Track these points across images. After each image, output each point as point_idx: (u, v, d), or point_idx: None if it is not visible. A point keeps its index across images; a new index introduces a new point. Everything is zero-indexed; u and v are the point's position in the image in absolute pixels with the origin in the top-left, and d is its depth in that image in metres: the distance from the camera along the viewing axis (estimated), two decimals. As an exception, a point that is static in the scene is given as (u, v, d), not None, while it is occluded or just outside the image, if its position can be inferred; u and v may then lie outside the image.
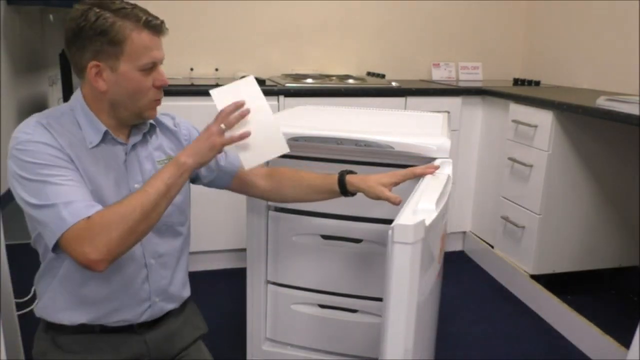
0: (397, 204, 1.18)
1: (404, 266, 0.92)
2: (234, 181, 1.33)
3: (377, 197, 1.22)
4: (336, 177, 1.27)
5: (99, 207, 0.99)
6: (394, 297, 0.94)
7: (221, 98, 1.14)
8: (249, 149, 1.13)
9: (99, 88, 1.05)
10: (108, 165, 1.09)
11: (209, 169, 1.29)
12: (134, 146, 1.14)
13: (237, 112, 1.11)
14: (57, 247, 0.98)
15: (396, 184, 1.25)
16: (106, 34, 1.01)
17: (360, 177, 1.26)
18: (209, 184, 1.33)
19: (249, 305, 1.63)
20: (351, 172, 1.29)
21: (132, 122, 1.13)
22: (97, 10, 1.01)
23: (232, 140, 1.10)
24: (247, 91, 1.14)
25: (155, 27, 1.06)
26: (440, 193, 1.09)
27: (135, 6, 1.06)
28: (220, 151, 1.10)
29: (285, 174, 1.36)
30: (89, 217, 0.96)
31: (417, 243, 0.92)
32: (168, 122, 1.24)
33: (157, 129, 1.21)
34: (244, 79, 1.17)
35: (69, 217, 0.95)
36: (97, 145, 1.08)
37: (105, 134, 1.09)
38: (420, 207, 1.01)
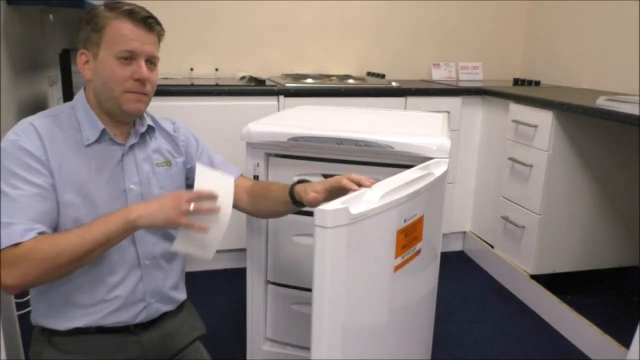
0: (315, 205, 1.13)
1: (322, 250, 0.94)
2: None
3: (312, 206, 1.15)
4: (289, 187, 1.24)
5: (36, 232, 0.98)
6: (317, 281, 0.95)
7: (204, 177, 1.12)
8: (190, 237, 1.09)
9: (85, 76, 1.08)
10: (101, 164, 1.10)
11: None
12: (132, 147, 1.15)
13: (209, 203, 1.08)
14: None
15: (329, 191, 1.17)
16: (91, 23, 1.06)
17: (304, 186, 1.22)
18: None
19: (249, 305, 1.63)
20: (305, 181, 1.26)
21: (120, 117, 1.12)
22: (98, 7, 1.06)
23: (190, 226, 1.05)
24: (224, 189, 1.13)
25: (139, 19, 1.06)
26: (395, 187, 1.09)
27: (130, 4, 1.08)
28: (172, 227, 1.07)
29: (260, 189, 1.33)
30: (18, 245, 0.95)
31: (338, 228, 0.93)
32: (168, 126, 1.25)
33: (157, 132, 1.21)
34: (227, 178, 1.19)
35: (1, 239, 0.95)
36: (93, 144, 1.09)
37: (103, 132, 1.09)
38: (365, 197, 1.03)
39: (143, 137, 1.17)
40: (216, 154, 1.36)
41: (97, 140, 1.09)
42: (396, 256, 1.12)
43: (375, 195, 1.04)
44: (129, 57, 1.06)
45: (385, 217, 1.06)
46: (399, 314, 1.24)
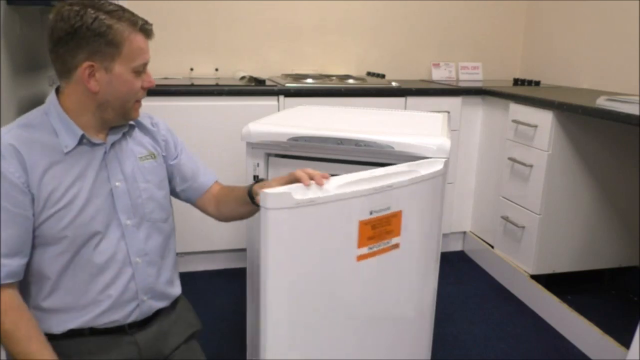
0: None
1: (264, 231, 1.01)
2: (203, 197, 1.34)
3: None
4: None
5: (2, 273, 1.00)
6: (262, 262, 1.02)
7: None
8: None
9: (91, 88, 1.05)
10: (84, 167, 1.09)
11: (183, 178, 1.30)
12: (113, 145, 1.14)
13: None
14: None
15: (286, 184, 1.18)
16: (105, 36, 1.02)
17: (260, 185, 1.21)
18: (180, 193, 1.33)
19: (249, 305, 1.63)
20: (262, 180, 1.28)
21: (116, 123, 1.13)
22: (92, 11, 1.02)
23: None
24: None
25: (148, 31, 1.10)
26: (357, 180, 1.13)
27: (125, 9, 1.07)
28: None
29: (225, 192, 1.34)
30: None
31: (279, 211, 1.01)
32: (146, 121, 1.25)
33: (136, 128, 1.22)
34: None
35: None
36: (73, 149, 1.08)
37: (81, 137, 1.09)
38: (326, 186, 1.08)
39: (123, 134, 1.17)
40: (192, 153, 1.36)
41: (76, 146, 1.09)
42: (359, 246, 1.15)
43: (332, 185, 1.08)
44: (143, 69, 1.10)
45: (343, 206, 1.10)
46: (373, 306, 1.25)
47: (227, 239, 2.49)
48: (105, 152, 1.12)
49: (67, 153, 1.07)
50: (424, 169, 1.30)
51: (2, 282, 1.01)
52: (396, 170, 1.23)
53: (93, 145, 1.11)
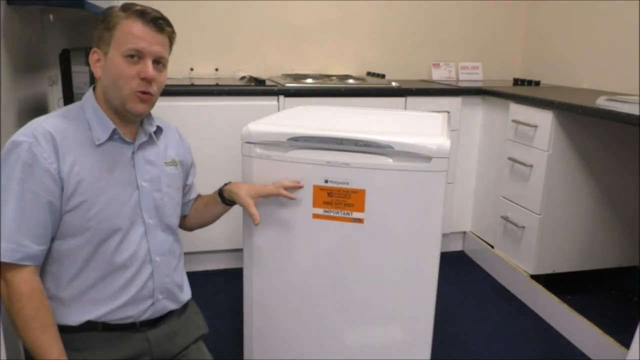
0: (256, 224, 1.30)
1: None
2: (188, 213, 1.41)
3: (244, 207, 1.33)
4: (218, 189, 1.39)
5: (22, 254, 1.01)
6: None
7: None
8: None
9: (95, 74, 1.10)
10: (113, 163, 1.11)
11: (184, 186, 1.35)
12: (141, 146, 1.17)
13: None
14: None
15: (263, 196, 1.35)
16: (105, 22, 1.08)
17: (236, 185, 1.34)
18: None
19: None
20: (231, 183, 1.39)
21: (126, 116, 1.13)
22: (115, 7, 1.09)
23: None
24: None
25: (149, 19, 1.08)
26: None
27: (144, 6, 1.10)
28: None
29: (199, 203, 1.42)
30: (8, 266, 1.00)
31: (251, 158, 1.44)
32: (174, 132, 1.30)
33: (164, 133, 1.24)
34: None
35: None
36: (103, 143, 1.10)
37: (113, 132, 1.11)
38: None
39: (151, 136, 1.20)
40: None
41: (108, 140, 1.11)
42: (315, 205, 1.40)
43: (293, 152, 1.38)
44: (137, 56, 1.08)
45: (300, 168, 1.40)
46: (337, 267, 1.44)
47: (227, 239, 2.49)
48: (133, 152, 1.14)
49: (98, 146, 1.09)
50: (401, 162, 1.37)
51: (22, 262, 1.01)
52: (369, 154, 1.39)
53: (123, 142, 1.13)
